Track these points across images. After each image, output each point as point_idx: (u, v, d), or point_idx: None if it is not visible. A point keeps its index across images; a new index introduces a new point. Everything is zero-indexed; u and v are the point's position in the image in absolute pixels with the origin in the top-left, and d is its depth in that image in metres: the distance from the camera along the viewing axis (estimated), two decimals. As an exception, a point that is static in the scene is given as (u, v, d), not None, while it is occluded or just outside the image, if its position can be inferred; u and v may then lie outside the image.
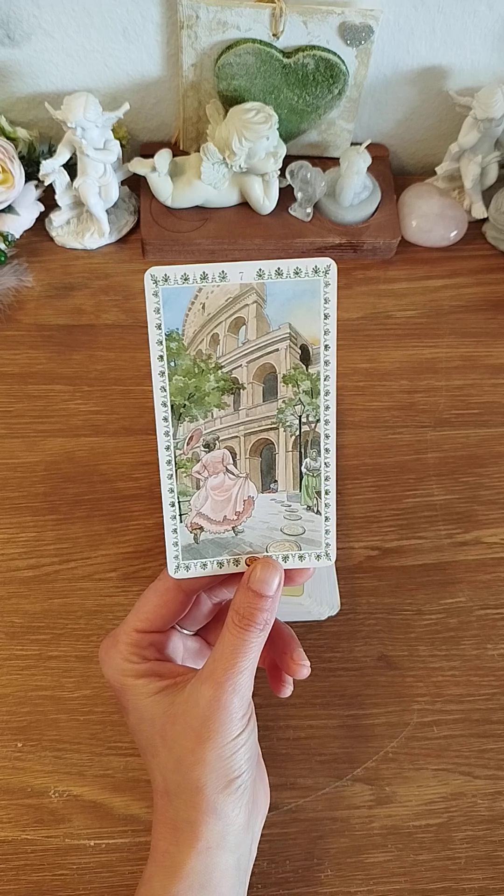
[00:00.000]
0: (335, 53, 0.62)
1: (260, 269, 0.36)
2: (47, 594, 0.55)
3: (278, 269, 0.37)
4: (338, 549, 0.56)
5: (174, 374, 0.37)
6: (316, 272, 0.37)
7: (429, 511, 0.59)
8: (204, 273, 0.36)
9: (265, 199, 0.67)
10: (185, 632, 0.44)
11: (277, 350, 0.38)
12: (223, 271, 0.36)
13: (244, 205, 0.68)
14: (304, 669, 0.41)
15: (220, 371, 0.38)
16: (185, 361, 0.37)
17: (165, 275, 0.36)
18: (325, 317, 0.37)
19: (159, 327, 0.37)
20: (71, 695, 0.52)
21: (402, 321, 0.67)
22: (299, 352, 0.38)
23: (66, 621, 0.54)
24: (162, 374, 0.37)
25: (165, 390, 0.38)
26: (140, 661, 0.40)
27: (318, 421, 0.39)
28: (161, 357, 0.37)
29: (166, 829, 0.38)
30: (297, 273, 0.37)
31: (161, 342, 0.37)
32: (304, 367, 0.38)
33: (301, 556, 0.40)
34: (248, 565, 0.39)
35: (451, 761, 0.51)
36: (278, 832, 0.49)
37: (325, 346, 0.38)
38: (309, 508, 0.39)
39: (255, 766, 0.39)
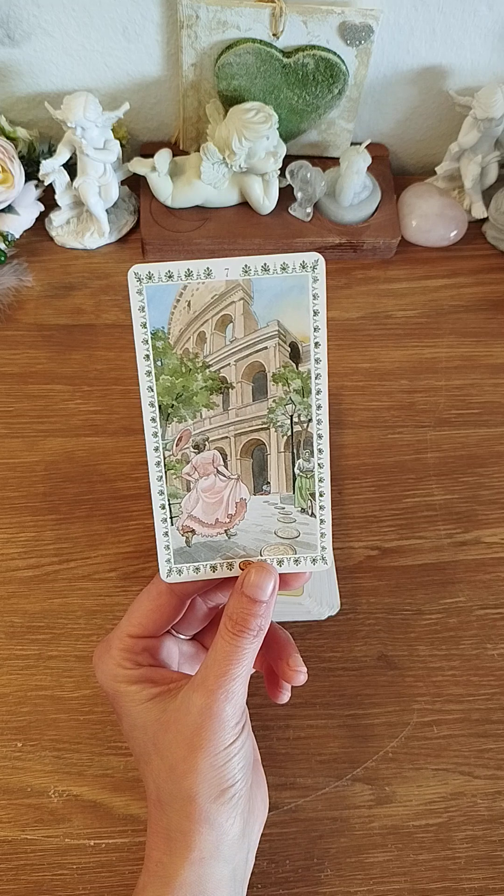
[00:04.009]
0: (335, 53, 0.62)
1: (246, 266, 0.36)
2: (47, 594, 0.55)
3: (264, 264, 0.36)
4: (338, 549, 0.57)
5: (161, 373, 0.37)
6: (303, 267, 0.36)
7: (429, 511, 0.59)
8: (188, 270, 0.36)
9: (265, 198, 0.67)
10: (181, 636, 0.44)
11: (266, 348, 0.37)
12: (208, 268, 0.36)
13: (244, 204, 0.68)
14: (300, 676, 0.41)
15: (207, 370, 0.37)
16: (171, 360, 0.37)
17: (149, 272, 0.36)
18: (315, 313, 0.36)
19: (144, 326, 0.36)
20: (71, 694, 0.52)
21: (402, 321, 0.67)
22: (289, 349, 0.37)
23: (66, 621, 0.54)
24: (148, 373, 0.37)
25: (153, 390, 0.37)
26: (133, 667, 0.39)
27: (310, 420, 0.38)
28: (147, 356, 0.37)
29: (159, 838, 0.37)
30: (283, 269, 0.36)
31: (147, 341, 0.36)
32: (295, 366, 0.37)
33: (296, 560, 0.39)
34: (243, 569, 0.38)
35: (451, 761, 0.51)
36: (278, 832, 0.49)
37: (316, 344, 0.37)
38: (303, 511, 0.38)
39: (251, 773, 0.38)
